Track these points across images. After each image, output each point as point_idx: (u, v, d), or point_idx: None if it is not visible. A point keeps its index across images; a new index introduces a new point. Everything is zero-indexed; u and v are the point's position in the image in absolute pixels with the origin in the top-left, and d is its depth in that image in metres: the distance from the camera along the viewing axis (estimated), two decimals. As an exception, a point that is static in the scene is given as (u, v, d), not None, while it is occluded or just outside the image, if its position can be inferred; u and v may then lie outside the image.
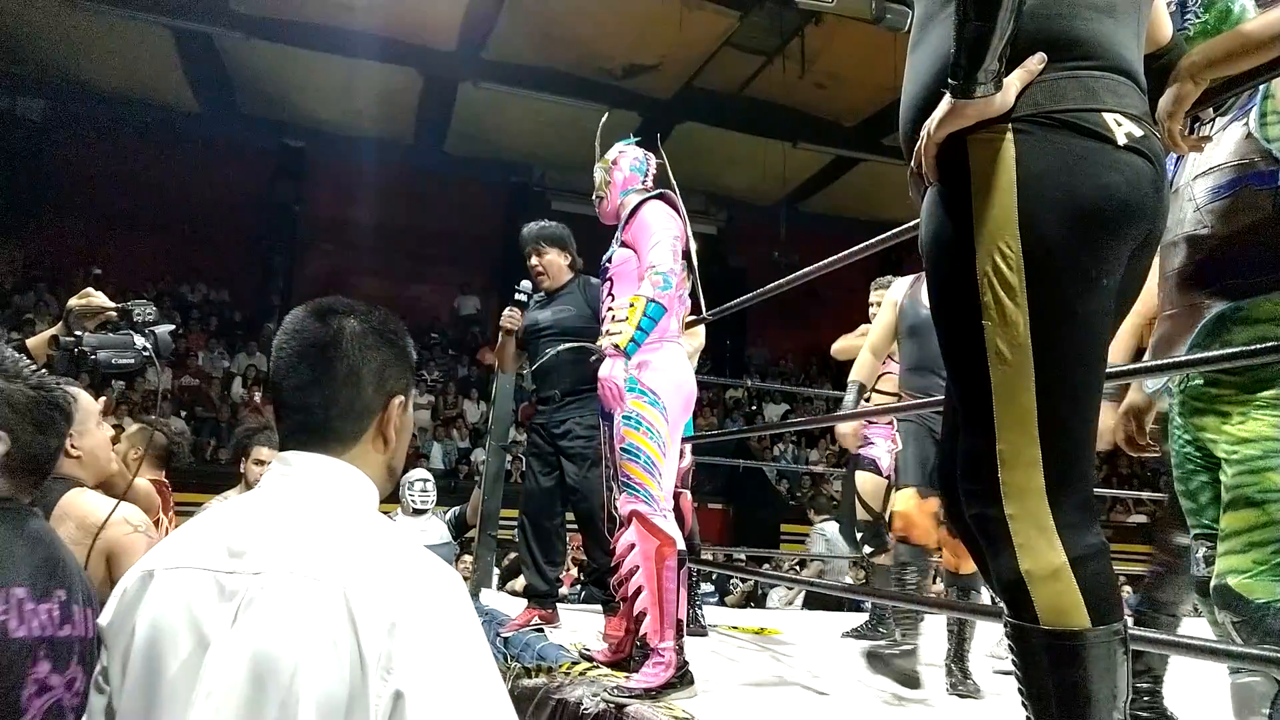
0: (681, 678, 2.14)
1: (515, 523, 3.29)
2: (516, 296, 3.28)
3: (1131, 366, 1.56)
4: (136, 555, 1.80)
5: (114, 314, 1.80)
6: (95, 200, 11.85)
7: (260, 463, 3.13)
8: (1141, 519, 12.04)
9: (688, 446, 3.53)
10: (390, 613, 0.84)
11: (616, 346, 2.24)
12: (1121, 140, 1.04)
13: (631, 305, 2.27)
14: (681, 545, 2.26)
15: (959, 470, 1.10)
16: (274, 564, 0.88)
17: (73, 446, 1.82)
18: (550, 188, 13.46)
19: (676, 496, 3.50)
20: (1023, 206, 1.02)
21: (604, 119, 2.81)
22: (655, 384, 2.30)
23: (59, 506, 1.80)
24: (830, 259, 2.45)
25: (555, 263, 3.24)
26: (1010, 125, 1.04)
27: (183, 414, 9.42)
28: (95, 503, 1.88)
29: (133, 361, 1.77)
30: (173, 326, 1.87)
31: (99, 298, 1.81)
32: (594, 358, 2.46)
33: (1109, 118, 1.04)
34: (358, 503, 0.98)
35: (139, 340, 1.77)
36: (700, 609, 3.63)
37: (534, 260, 3.25)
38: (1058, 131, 1.04)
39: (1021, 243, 1.02)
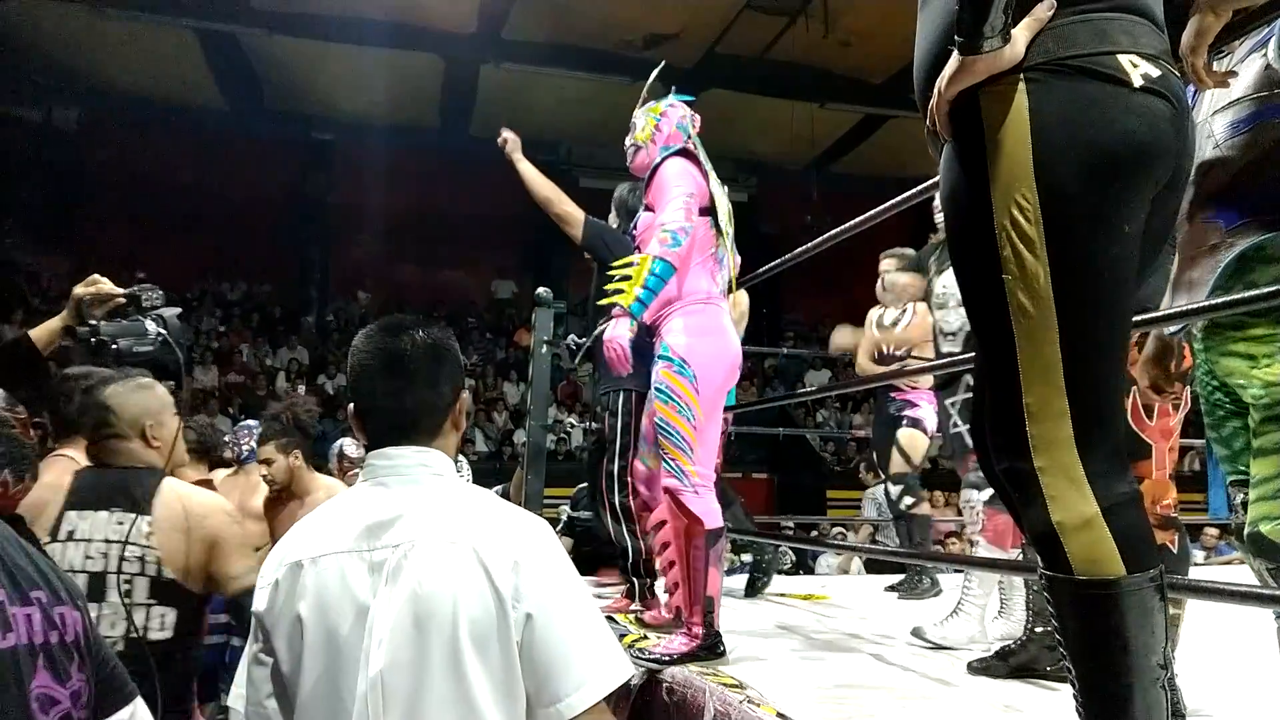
0: (711, 649, 2.10)
1: (559, 501, 3.30)
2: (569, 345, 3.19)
3: (1150, 315, 1.52)
4: (235, 544, 1.93)
5: (122, 300, 1.74)
6: (134, 204, 12.10)
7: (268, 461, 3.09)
8: (1195, 467, 11.80)
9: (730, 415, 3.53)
10: (511, 557, 1.08)
11: (621, 306, 2.16)
12: (1138, 82, 1.01)
13: (637, 264, 2.18)
14: (716, 523, 2.18)
15: (988, 425, 1.10)
16: (413, 537, 1.09)
17: (154, 438, 1.91)
18: (577, 165, 13.42)
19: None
20: (1038, 158, 1.01)
21: (653, 75, 2.59)
22: (684, 350, 2.20)
23: (164, 493, 1.87)
24: (855, 220, 2.39)
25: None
26: (1022, 75, 1.02)
27: (230, 410, 9.62)
28: (201, 494, 2.00)
29: (151, 349, 1.72)
30: (179, 310, 1.82)
31: (107, 284, 1.75)
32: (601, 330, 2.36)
33: (1124, 60, 1.02)
34: (454, 478, 1.20)
35: (151, 326, 1.73)
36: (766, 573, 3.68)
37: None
38: (1071, 78, 1.02)
39: (1038, 194, 1.01)
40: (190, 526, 1.85)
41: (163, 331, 1.73)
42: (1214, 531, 7.41)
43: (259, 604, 1.13)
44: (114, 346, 1.68)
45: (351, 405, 1.22)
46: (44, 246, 11.47)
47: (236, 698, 1.15)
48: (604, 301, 2.29)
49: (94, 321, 1.70)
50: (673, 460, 2.16)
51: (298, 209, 13.34)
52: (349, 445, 4.33)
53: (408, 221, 13.01)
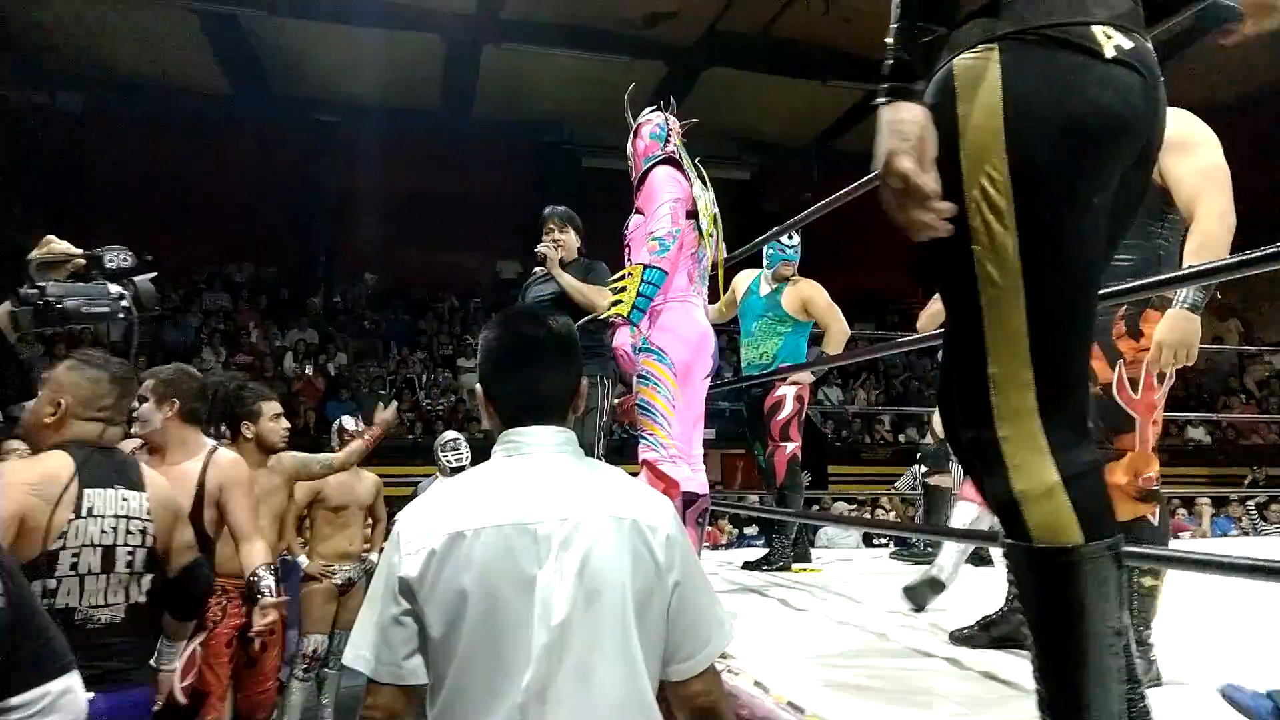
0: None
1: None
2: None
3: (1125, 286, 1.58)
4: (186, 518, 2.13)
5: (82, 262, 1.63)
6: (139, 188, 12.13)
7: (277, 416, 3.14)
8: (1204, 439, 11.85)
9: (789, 395, 3.72)
10: (664, 530, 1.21)
11: (622, 316, 2.44)
12: (1110, 53, 1.00)
13: (630, 275, 2.44)
14: (692, 488, 2.44)
15: (954, 395, 1.11)
16: (576, 509, 1.18)
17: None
18: (580, 145, 13.40)
19: (774, 451, 3.74)
20: (1009, 128, 1.00)
21: (629, 90, 2.86)
22: (662, 341, 2.49)
23: (146, 473, 2.03)
24: (839, 193, 2.48)
25: (570, 242, 3.33)
26: (996, 44, 1.02)
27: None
28: (158, 475, 2.14)
29: (107, 310, 1.60)
30: (154, 274, 1.70)
31: (60, 245, 1.65)
32: (586, 320, 2.62)
33: (1097, 30, 1.01)
34: (584, 455, 1.30)
35: (114, 289, 1.61)
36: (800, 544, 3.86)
37: (556, 235, 3.32)
38: (1044, 48, 1.01)
39: (1009, 165, 1.00)
40: (169, 502, 2.06)
41: (125, 295, 1.62)
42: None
43: (409, 570, 1.15)
44: (59, 306, 1.57)
45: (480, 388, 1.31)
46: (49, 230, 11.42)
47: (358, 659, 1.18)
48: (604, 315, 2.56)
49: (41, 285, 1.58)
50: (650, 435, 2.45)
51: (302, 191, 13.36)
52: (348, 420, 4.50)
53: (412, 203, 13.01)
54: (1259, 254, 1.42)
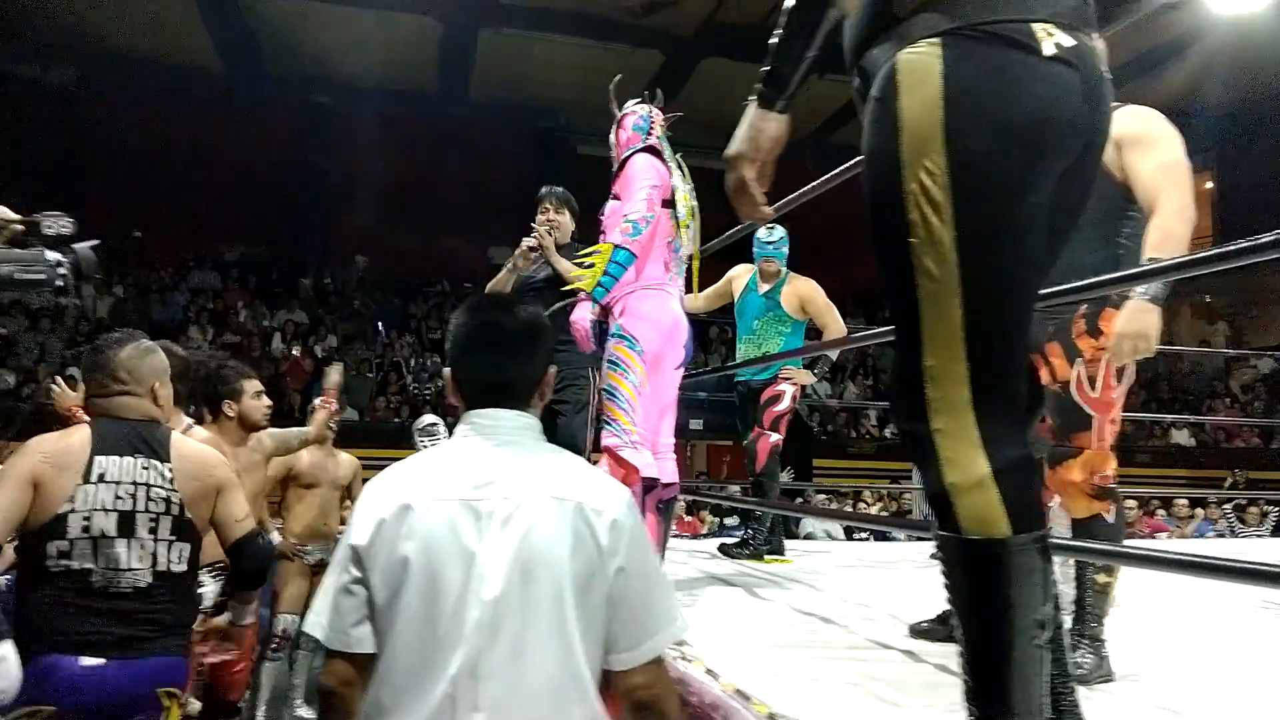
0: None
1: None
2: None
3: (1084, 283, 1.58)
4: (236, 491, 2.15)
5: (20, 228, 1.58)
6: (131, 164, 12.07)
7: (259, 394, 3.12)
8: (1187, 441, 11.91)
9: (788, 391, 3.82)
10: (610, 516, 1.21)
11: (584, 291, 2.43)
12: (1049, 51, 1.01)
13: (599, 252, 2.43)
14: (651, 473, 2.43)
15: (893, 387, 1.13)
16: (521, 489, 1.20)
17: (160, 396, 2.11)
18: (575, 132, 13.36)
19: (758, 437, 3.78)
20: (949, 123, 1.01)
21: (615, 80, 2.86)
22: (634, 328, 2.49)
23: (176, 444, 2.06)
24: (815, 183, 2.46)
25: (565, 224, 3.32)
26: (940, 39, 1.03)
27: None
28: (201, 447, 2.21)
29: (43, 277, 1.54)
30: (96, 242, 1.63)
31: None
32: (555, 308, 2.59)
33: (1038, 28, 1.02)
34: (545, 440, 1.34)
35: (52, 256, 1.55)
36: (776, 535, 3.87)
37: (552, 215, 3.32)
38: (985, 44, 1.02)
39: (947, 160, 1.01)
40: (198, 474, 2.07)
41: (63, 262, 1.56)
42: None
43: (359, 538, 1.19)
44: None
45: (449, 371, 1.35)
46: (41, 205, 11.33)
47: (315, 625, 1.21)
48: (568, 288, 2.56)
49: None
50: (614, 421, 2.45)
51: (296, 172, 13.30)
52: (319, 400, 4.50)
53: (406, 186, 12.98)
54: (1214, 252, 1.44)
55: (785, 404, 3.86)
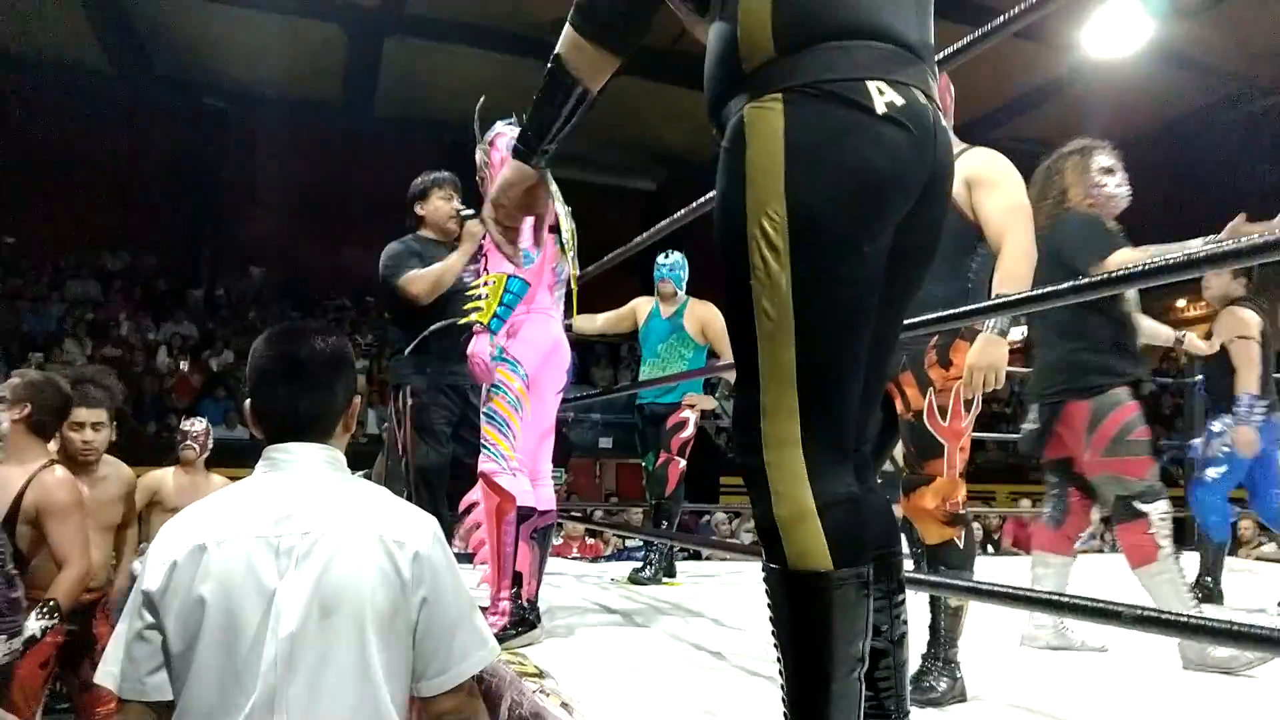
0: (521, 622, 2.33)
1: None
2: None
3: (935, 316, 1.63)
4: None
5: None
6: (7, 166, 11.37)
7: (81, 425, 2.88)
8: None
9: (691, 418, 3.92)
10: (413, 546, 1.21)
11: (480, 323, 2.38)
12: (881, 109, 1.06)
13: (492, 283, 2.40)
14: (529, 503, 2.39)
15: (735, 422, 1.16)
16: (320, 523, 1.18)
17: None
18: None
19: (668, 463, 3.84)
20: (788, 175, 1.06)
21: (480, 102, 2.73)
22: (517, 351, 2.46)
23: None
24: (685, 210, 2.48)
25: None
26: (781, 95, 1.08)
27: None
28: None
29: None
30: None
31: None
32: (437, 325, 2.65)
33: (871, 86, 1.07)
34: (348, 473, 1.31)
35: None
36: (668, 559, 3.92)
37: (457, 202, 3.23)
38: (823, 101, 1.06)
39: (786, 208, 1.06)
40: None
41: None
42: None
43: (151, 583, 1.16)
44: None
45: (249, 404, 1.31)
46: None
47: (107, 675, 1.17)
48: (464, 321, 2.48)
49: None
50: (493, 445, 2.40)
51: (186, 178, 12.77)
52: (186, 423, 4.44)
53: (307, 197, 12.59)
54: (1066, 286, 1.55)
55: (690, 430, 3.95)
